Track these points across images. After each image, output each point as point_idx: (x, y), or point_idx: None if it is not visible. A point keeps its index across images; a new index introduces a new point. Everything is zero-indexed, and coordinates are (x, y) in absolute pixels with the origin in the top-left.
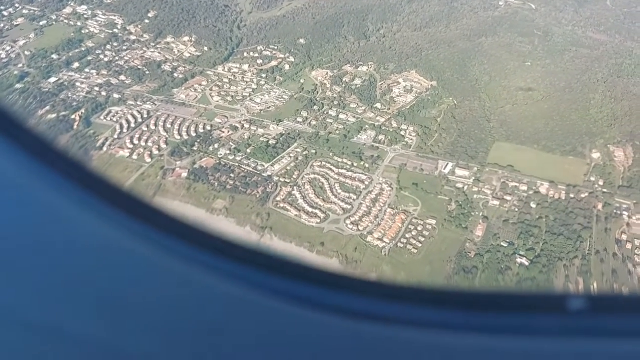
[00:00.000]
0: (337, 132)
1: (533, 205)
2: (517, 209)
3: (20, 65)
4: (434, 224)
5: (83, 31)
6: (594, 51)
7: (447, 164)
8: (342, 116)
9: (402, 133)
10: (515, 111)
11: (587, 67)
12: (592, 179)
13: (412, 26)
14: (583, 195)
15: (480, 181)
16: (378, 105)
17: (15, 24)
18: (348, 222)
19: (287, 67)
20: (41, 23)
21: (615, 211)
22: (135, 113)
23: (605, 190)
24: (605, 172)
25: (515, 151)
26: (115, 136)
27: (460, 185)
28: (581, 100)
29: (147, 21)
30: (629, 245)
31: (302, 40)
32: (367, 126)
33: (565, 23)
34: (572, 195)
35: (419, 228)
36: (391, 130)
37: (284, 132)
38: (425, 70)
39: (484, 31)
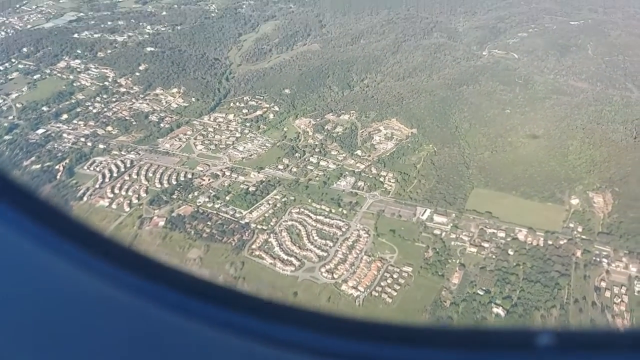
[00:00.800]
0: (317, 178)
1: (511, 252)
2: (494, 256)
3: (11, 117)
4: (410, 271)
5: (74, 84)
6: (574, 98)
7: (425, 210)
8: (322, 163)
9: (381, 179)
10: (494, 158)
11: (567, 114)
12: (571, 225)
13: (395, 76)
14: (561, 242)
15: (458, 227)
16: (358, 152)
17: (10, 77)
18: (323, 270)
19: (271, 116)
20: (35, 77)
21: (594, 258)
22: (119, 162)
23: (584, 236)
24: (584, 218)
25: (493, 197)
26: (97, 186)
27: (437, 232)
28: (560, 147)
29: (137, 74)
30: (607, 294)
31: (287, 90)
32: (346, 173)
33: (547, 72)
34: (550, 242)
35: (395, 276)
36: (370, 176)
37: (264, 179)
38: (406, 118)
39: (465, 80)
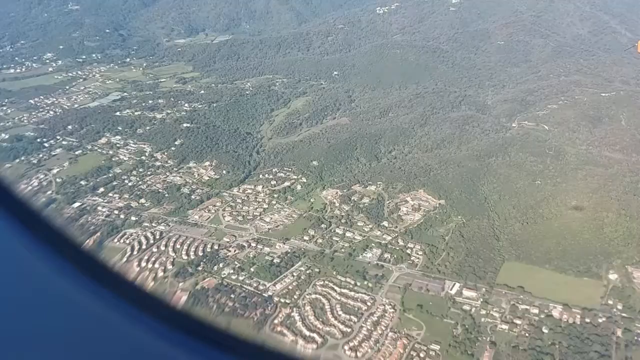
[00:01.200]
0: (342, 250)
1: (545, 330)
2: (527, 334)
3: (49, 192)
4: (438, 349)
5: (113, 159)
6: (608, 169)
7: (454, 284)
8: (348, 234)
9: (408, 251)
10: (525, 230)
11: (600, 185)
12: (610, 302)
13: (423, 148)
14: (600, 320)
15: (488, 303)
16: (385, 224)
17: (54, 153)
18: (346, 347)
19: (298, 187)
20: (77, 152)
21: (636, 338)
22: (149, 234)
23: (624, 314)
24: (624, 294)
25: (526, 271)
26: (124, 259)
27: (467, 307)
28: (594, 219)
29: (173, 148)
30: None
31: (315, 162)
32: (373, 244)
33: (579, 143)
34: (587, 320)
35: (422, 354)
36: (397, 248)
37: (289, 251)
38: (434, 189)
39: (494, 151)
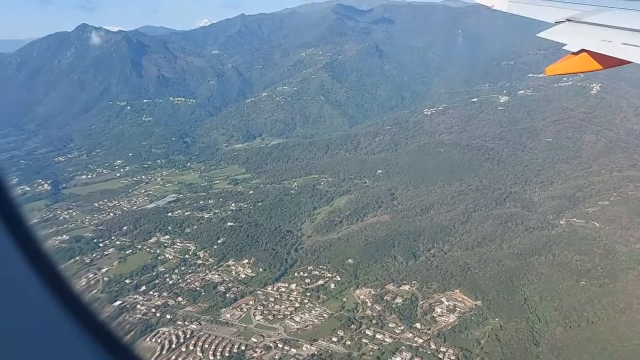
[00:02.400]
0: (371, 353)
1: None
2: None
3: (95, 291)
4: None
5: (159, 257)
6: None
7: None
8: (378, 336)
9: (440, 356)
10: (567, 334)
11: None
12: None
13: (463, 246)
14: None
15: None
16: (417, 325)
17: (106, 253)
18: None
19: (332, 285)
20: (127, 252)
21: None
22: (180, 333)
23: None
24: None
25: None
26: (153, 359)
27: None
28: None
29: (215, 247)
30: None
31: (350, 260)
32: (403, 347)
33: (633, 241)
34: None
35: None
36: (429, 352)
37: (316, 353)
38: (470, 289)
39: (537, 250)
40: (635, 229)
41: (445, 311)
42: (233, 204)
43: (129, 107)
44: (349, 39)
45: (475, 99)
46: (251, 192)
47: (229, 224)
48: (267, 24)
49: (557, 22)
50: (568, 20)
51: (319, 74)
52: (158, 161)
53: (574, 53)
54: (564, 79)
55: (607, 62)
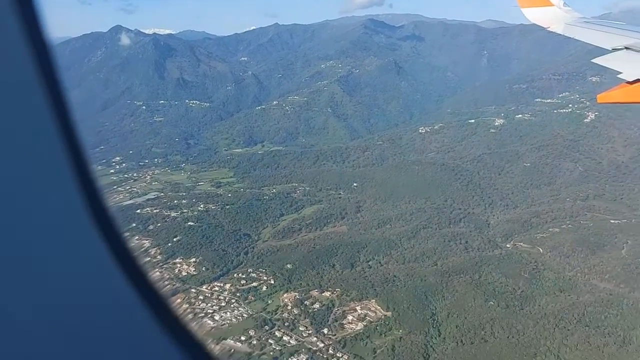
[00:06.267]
0: (272, 353)
1: None
2: None
3: None
4: None
5: None
6: (580, 297)
7: None
8: (285, 338)
9: None
10: (458, 350)
11: (559, 313)
12: None
13: (400, 260)
14: None
15: None
16: (325, 330)
17: None
18: None
19: (264, 288)
20: None
21: None
22: None
23: None
24: None
25: None
26: None
27: None
28: (531, 345)
29: (169, 244)
30: None
31: (289, 266)
32: (303, 350)
33: (568, 268)
34: None
35: None
36: (325, 356)
37: (218, 350)
38: (385, 300)
39: (466, 269)
40: (573, 257)
41: (355, 319)
42: (202, 205)
43: (144, 107)
44: (372, 53)
45: (473, 120)
46: (229, 195)
47: (189, 223)
48: (299, 35)
49: (614, 49)
50: (626, 48)
51: (331, 87)
52: (155, 160)
53: (629, 82)
54: (563, 106)
55: None
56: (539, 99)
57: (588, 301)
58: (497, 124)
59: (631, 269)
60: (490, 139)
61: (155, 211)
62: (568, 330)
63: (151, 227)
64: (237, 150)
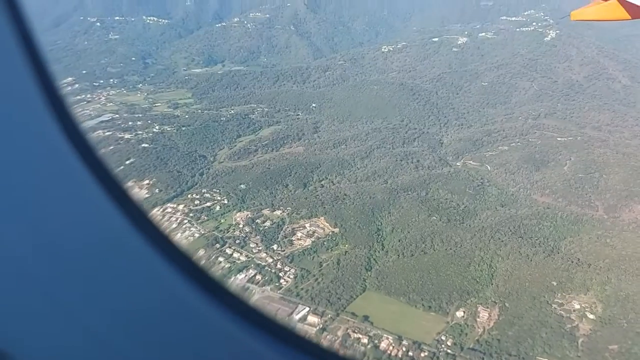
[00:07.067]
0: (221, 270)
1: None
2: None
3: None
4: None
5: None
6: (519, 211)
7: (305, 309)
8: (235, 255)
9: (281, 274)
10: (399, 262)
11: (496, 226)
12: (443, 337)
13: (353, 179)
14: (423, 354)
15: (325, 330)
16: (275, 247)
17: None
18: None
19: (217, 208)
20: None
21: None
22: None
23: (449, 351)
24: (462, 332)
25: (379, 302)
26: None
27: (304, 333)
28: (466, 256)
29: (122, 167)
30: None
31: (242, 186)
32: (252, 265)
33: (512, 185)
34: (411, 353)
35: None
36: (273, 271)
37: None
38: (334, 217)
39: (414, 187)
40: (518, 174)
41: (304, 236)
42: (157, 127)
43: (98, 24)
44: None
45: (437, 39)
46: (186, 116)
47: (144, 145)
48: None
49: None
50: None
51: (295, 2)
52: (111, 81)
53: None
54: (527, 24)
55: (637, 12)
56: (505, 17)
57: (525, 214)
58: (460, 42)
59: (570, 184)
60: (452, 57)
61: (108, 134)
62: (502, 241)
63: (102, 150)
64: (196, 70)
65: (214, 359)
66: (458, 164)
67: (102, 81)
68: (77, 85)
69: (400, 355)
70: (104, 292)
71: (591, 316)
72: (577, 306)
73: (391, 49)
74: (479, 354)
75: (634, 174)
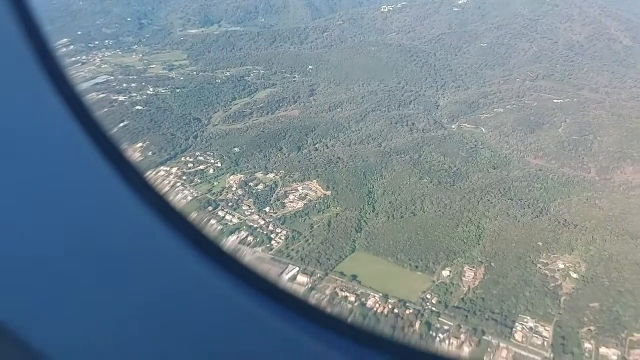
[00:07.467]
0: (213, 232)
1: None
2: None
3: None
4: None
5: None
6: (511, 173)
7: (295, 269)
8: (228, 217)
9: (273, 236)
10: (389, 224)
11: (486, 187)
12: (429, 296)
13: (347, 142)
14: (408, 312)
15: (314, 289)
16: (267, 209)
17: None
18: None
19: (211, 171)
20: None
21: (431, 332)
22: None
23: (434, 309)
24: (448, 291)
25: (368, 262)
26: None
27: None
28: (455, 218)
29: (115, 130)
30: None
31: (237, 149)
32: (244, 228)
33: (505, 147)
34: (396, 311)
35: None
36: (265, 233)
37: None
38: (326, 180)
39: (408, 150)
40: (513, 136)
41: (296, 199)
42: (152, 89)
43: None
44: None
45: None
46: (182, 78)
47: (138, 107)
48: None
49: None
50: None
51: None
52: (106, 42)
53: None
54: None
55: None
56: None
57: (517, 177)
58: (461, 2)
59: (564, 146)
60: (452, 18)
61: (102, 96)
62: (491, 203)
63: (97, 113)
64: (192, 31)
65: (210, 315)
66: (453, 126)
67: (97, 42)
68: (72, 47)
69: (386, 313)
70: (102, 254)
71: (575, 275)
72: (561, 266)
73: (391, 8)
74: (463, 311)
75: (629, 136)
